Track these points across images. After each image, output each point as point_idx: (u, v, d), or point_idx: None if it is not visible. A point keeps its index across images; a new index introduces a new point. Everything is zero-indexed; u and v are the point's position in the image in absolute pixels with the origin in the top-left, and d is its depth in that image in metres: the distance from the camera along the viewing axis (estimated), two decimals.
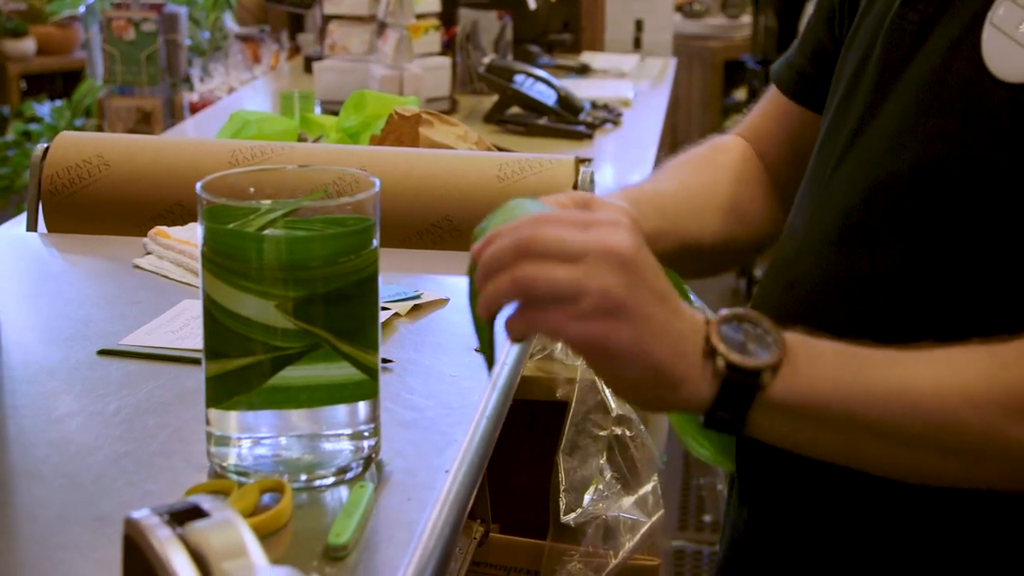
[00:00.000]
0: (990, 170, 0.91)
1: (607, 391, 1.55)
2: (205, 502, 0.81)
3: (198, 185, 0.98)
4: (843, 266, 0.99)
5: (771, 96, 1.22)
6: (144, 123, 4.01)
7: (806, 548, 1.05)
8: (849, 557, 1.02)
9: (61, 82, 6.32)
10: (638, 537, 1.53)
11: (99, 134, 1.77)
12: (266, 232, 0.97)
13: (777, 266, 1.09)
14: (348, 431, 0.99)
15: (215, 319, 0.98)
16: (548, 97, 2.85)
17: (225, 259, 0.96)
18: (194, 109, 3.44)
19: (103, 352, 1.22)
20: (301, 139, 2.07)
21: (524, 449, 1.61)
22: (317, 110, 2.30)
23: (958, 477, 0.88)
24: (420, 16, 2.97)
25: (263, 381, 0.97)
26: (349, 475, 0.99)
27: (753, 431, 0.85)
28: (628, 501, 1.53)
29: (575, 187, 1.62)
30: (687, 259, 1.14)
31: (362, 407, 1.00)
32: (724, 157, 1.22)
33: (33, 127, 4.69)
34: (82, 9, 4.36)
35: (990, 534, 0.97)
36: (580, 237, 0.82)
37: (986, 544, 0.97)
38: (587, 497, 1.52)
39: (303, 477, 0.98)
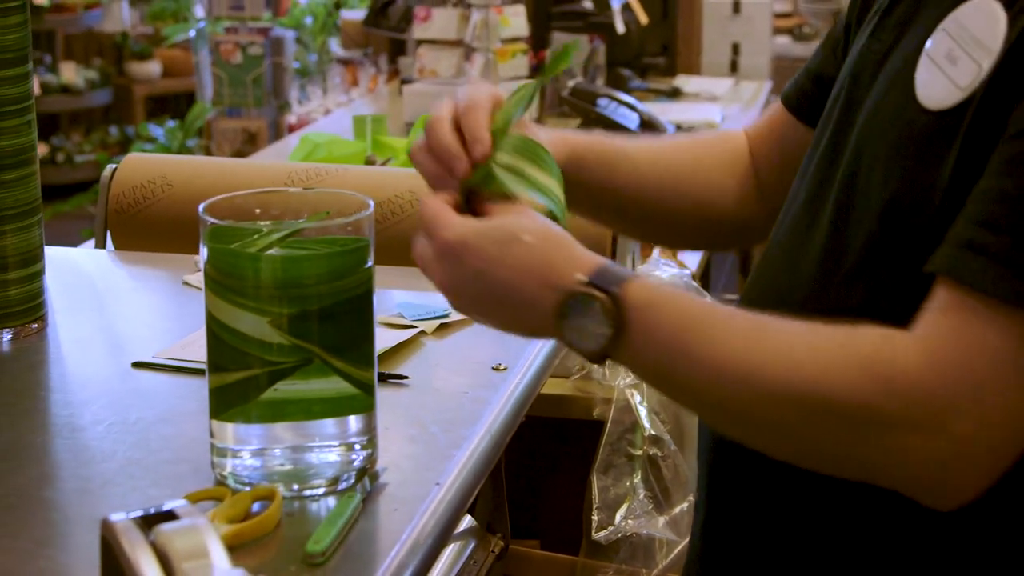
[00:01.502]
0: (926, 198, 0.92)
1: (643, 412, 1.57)
2: (181, 508, 0.86)
3: (200, 207, 1.03)
4: (822, 299, 1.01)
5: (777, 106, 1.25)
6: (250, 143, 4.11)
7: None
8: None
9: (185, 103, 6.50)
10: (671, 556, 1.55)
11: (164, 155, 1.85)
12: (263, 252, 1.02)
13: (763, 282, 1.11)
14: (339, 443, 1.03)
15: (216, 335, 1.02)
16: (631, 121, 2.87)
17: (224, 277, 1.01)
18: (292, 130, 3.52)
19: (137, 364, 1.28)
20: (370, 161, 2.12)
21: (562, 467, 1.64)
22: (394, 132, 2.37)
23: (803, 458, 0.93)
24: (507, 40, 3.02)
25: (259, 394, 1.01)
26: (341, 486, 1.03)
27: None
28: (661, 521, 1.55)
29: None
30: (627, 219, 1.26)
31: (354, 420, 1.04)
32: (721, 147, 1.26)
33: (148, 147, 4.84)
34: (192, 33, 4.48)
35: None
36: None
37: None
38: (619, 515, 1.54)
39: (295, 487, 1.02)
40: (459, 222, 0.98)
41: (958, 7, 0.95)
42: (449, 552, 1.36)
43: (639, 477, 1.56)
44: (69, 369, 1.31)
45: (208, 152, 4.16)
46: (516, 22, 3.06)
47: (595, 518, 1.54)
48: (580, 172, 1.15)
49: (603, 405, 1.58)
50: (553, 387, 1.65)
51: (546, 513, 1.67)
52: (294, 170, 1.72)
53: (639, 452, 1.56)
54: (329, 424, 1.03)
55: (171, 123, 5.18)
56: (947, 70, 0.93)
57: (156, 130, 4.94)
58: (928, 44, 0.96)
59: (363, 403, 1.04)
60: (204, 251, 1.02)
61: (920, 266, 0.90)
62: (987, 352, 0.86)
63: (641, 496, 1.55)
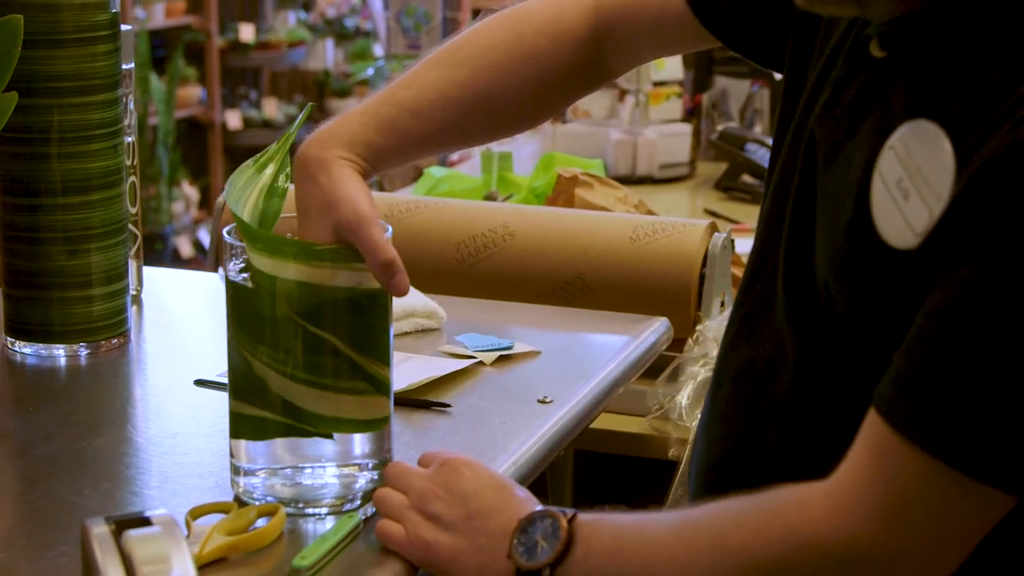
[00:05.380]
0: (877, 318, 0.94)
1: None
2: (157, 516, 0.89)
3: (224, 231, 1.06)
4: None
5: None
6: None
7: None
8: None
9: None
10: None
11: None
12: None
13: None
14: (345, 464, 1.06)
15: (234, 363, 1.06)
16: None
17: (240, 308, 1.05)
18: (452, 165, 3.57)
19: (199, 382, 1.32)
20: (491, 197, 2.16)
21: (636, 506, 1.63)
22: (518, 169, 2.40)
23: None
24: (659, 83, 3.01)
25: (275, 434, 1.04)
26: (347, 506, 1.05)
27: None
28: None
29: (706, 252, 1.64)
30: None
31: (360, 442, 1.06)
32: (537, 60, 1.25)
33: None
34: (370, 72, 4.60)
35: None
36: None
37: None
38: None
39: (300, 505, 1.05)
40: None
41: (903, 124, 0.92)
42: None
43: None
44: (136, 384, 1.36)
45: (380, 187, 4.26)
46: (671, 64, 3.06)
47: None
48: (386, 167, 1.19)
49: (679, 445, 1.57)
50: (629, 426, 1.64)
51: None
52: (395, 202, 1.76)
53: None
54: (336, 445, 1.05)
55: None
56: (901, 206, 0.91)
57: None
58: (879, 162, 0.94)
59: (374, 424, 1.06)
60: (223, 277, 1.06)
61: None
62: (898, 492, 0.88)
63: None
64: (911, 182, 0.90)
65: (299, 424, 1.03)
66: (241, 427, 1.06)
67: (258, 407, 1.04)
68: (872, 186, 0.94)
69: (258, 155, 1.13)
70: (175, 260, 5.91)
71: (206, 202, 6.38)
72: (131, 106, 1.50)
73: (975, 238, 0.85)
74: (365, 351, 1.03)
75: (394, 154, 1.19)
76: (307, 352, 1.02)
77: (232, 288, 1.05)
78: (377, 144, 1.16)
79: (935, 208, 0.88)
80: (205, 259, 6.02)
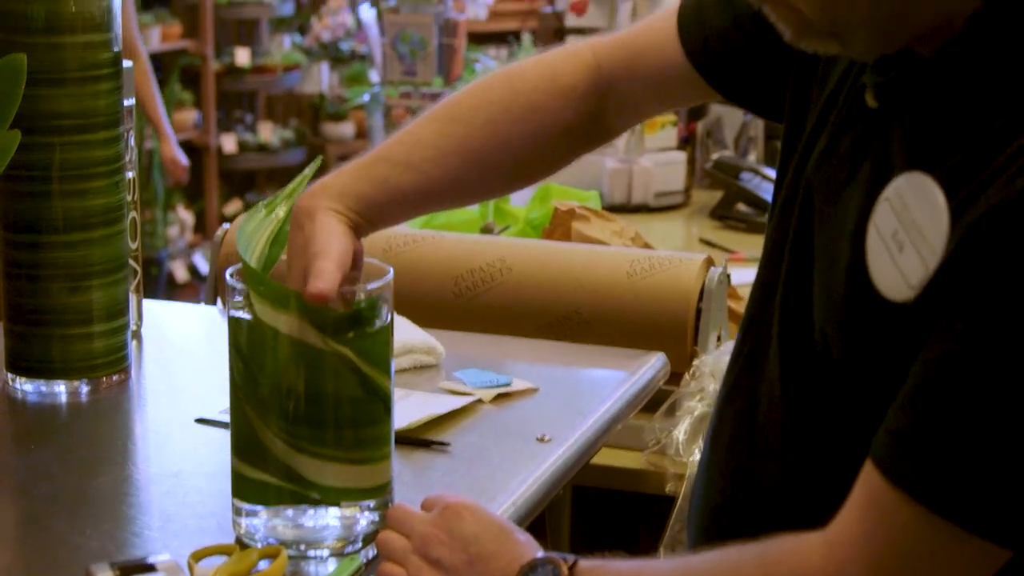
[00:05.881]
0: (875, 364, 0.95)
1: None
2: (161, 562, 0.90)
3: (228, 272, 1.07)
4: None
5: (668, 34, 1.23)
6: None
7: None
8: None
9: None
10: None
11: None
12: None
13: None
14: (347, 507, 1.06)
15: (238, 422, 1.07)
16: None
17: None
18: None
19: (200, 420, 1.33)
20: (488, 229, 2.16)
21: (633, 542, 1.64)
22: (515, 201, 2.40)
23: None
24: None
25: (276, 502, 1.05)
26: (349, 548, 1.06)
27: None
28: None
29: (702, 287, 1.64)
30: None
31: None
32: (539, 113, 1.26)
33: None
34: (366, 98, 4.62)
35: None
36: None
37: None
38: None
39: (302, 547, 1.05)
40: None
41: (898, 176, 0.93)
42: None
43: None
44: (137, 421, 1.37)
45: None
46: None
47: None
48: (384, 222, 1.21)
49: (676, 481, 1.58)
50: (627, 461, 1.65)
51: None
52: (393, 236, 1.76)
53: None
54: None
55: None
56: (896, 258, 0.91)
57: None
58: (875, 214, 0.94)
59: (377, 492, 1.07)
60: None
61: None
62: (894, 543, 0.89)
63: None
64: (906, 235, 0.90)
65: (303, 491, 1.04)
66: (243, 489, 1.07)
67: (260, 469, 1.05)
68: (867, 237, 0.95)
69: (268, 200, 1.14)
70: (170, 285, 5.91)
71: (201, 226, 6.38)
72: (131, 142, 1.51)
73: (969, 292, 0.86)
74: (363, 423, 1.05)
75: (387, 207, 1.21)
76: (309, 422, 1.03)
77: (234, 326, 1.06)
78: (368, 196, 1.18)
79: (930, 261, 0.88)
80: (201, 284, 6.04)
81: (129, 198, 1.49)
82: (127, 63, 1.44)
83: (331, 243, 1.10)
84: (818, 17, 0.92)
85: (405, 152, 1.22)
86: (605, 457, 1.65)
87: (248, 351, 1.05)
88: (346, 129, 7.05)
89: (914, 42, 0.95)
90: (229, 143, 6.57)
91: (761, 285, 1.12)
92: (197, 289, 6.03)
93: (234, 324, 1.06)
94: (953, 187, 0.89)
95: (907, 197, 0.92)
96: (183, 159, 4.72)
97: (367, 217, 1.18)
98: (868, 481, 0.90)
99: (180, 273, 6.09)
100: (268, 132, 6.78)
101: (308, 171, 1.16)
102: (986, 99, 0.90)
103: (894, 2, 0.91)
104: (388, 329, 1.07)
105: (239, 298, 1.05)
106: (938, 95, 0.93)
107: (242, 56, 6.57)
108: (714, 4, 1.21)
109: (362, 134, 6.99)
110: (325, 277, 1.05)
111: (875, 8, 0.91)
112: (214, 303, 1.82)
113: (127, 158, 1.46)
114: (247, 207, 6.70)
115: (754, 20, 1.16)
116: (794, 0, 0.92)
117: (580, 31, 3.17)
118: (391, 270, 1.08)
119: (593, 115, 1.28)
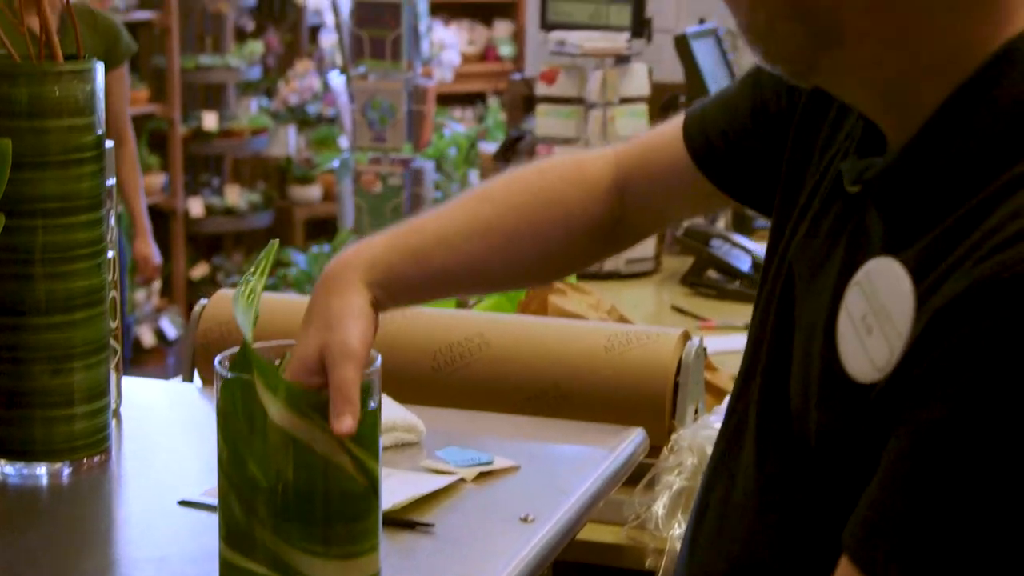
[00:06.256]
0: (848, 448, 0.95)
1: None
2: None
3: (216, 359, 1.08)
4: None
5: (674, 148, 1.26)
6: None
7: None
8: None
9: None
10: None
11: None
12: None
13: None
14: None
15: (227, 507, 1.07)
16: (743, 262, 2.88)
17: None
18: None
19: (183, 502, 1.33)
20: (462, 303, 2.17)
21: None
22: None
23: None
24: None
25: None
26: None
27: None
28: None
29: (680, 361, 1.66)
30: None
31: None
32: (559, 207, 1.29)
33: (292, 272, 5.00)
34: (336, 163, 4.64)
35: None
36: None
37: None
38: None
39: None
40: None
41: (869, 260, 0.95)
42: None
43: None
44: (120, 504, 1.37)
45: None
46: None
47: None
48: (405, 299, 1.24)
49: (655, 556, 1.59)
50: (606, 535, 1.66)
51: None
52: None
53: None
54: None
55: (327, 247, 5.34)
56: (865, 341, 0.92)
57: (299, 256, 5.09)
58: (846, 297, 0.96)
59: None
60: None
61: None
62: None
63: None
64: (875, 318, 0.92)
65: None
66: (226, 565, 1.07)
67: (250, 559, 1.05)
68: (839, 320, 0.96)
69: (241, 283, 1.15)
70: (136, 349, 5.89)
71: (168, 290, 6.37)
72: (112, 222, 1.51)
73: (932, 380, 0.86)
74: (354, 517, 1.06)
75: (413, 281, 1.22)
76: (300, 518, 1.04)
77: (223, 415, 1.07)
78: (397, 269, 1.20)
79: (896, 346, 0.89)
80: (168, 348, 6.02)
81: (109, 278, 1.49)
82: (109, 143, 1.45)
83: (354, 339, 1.11)
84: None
85: (436, 227, 1.25)
86: (586, 532, 1.65)
87: (236, 439, 1.05)
88: (313, 192, 7.07)
89: (890, 124, 0.97)
90: (196, 207, 6.57)
91: (745, 367, 1.14)
92: (164, 353, 6.01)
93: (223, 413, 1.06)
94: (921, 272, 0.90)
95: (876, 281, 0.93)
96: (157, 257, 4.41)
97: (391, 291, 1.20)
98: (843, 571, 0.91)
99: (147, 338, 6.07)
100: (235, 195, 6.79)
101: (269, 253, 1.16)
102: (955, 184, 0.92)
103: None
104: (377, 412, 1.08)
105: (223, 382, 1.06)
106: (909, 180, 0.95)
107: (209, 120, 6.59)
108: (716, 103, 1.24)
109: (330, 197, 7.01)
110: (353, 402, 1.05)
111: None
112: (191, 380, 1.83)
113: (108, 238, 1.47)
114: (214, 271, 6.72)
115: (752, 117, 1.19)
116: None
117: (549, 99, 3.20)
118: (379, 356, 1.09)
119: (616, 213, 1.31)
